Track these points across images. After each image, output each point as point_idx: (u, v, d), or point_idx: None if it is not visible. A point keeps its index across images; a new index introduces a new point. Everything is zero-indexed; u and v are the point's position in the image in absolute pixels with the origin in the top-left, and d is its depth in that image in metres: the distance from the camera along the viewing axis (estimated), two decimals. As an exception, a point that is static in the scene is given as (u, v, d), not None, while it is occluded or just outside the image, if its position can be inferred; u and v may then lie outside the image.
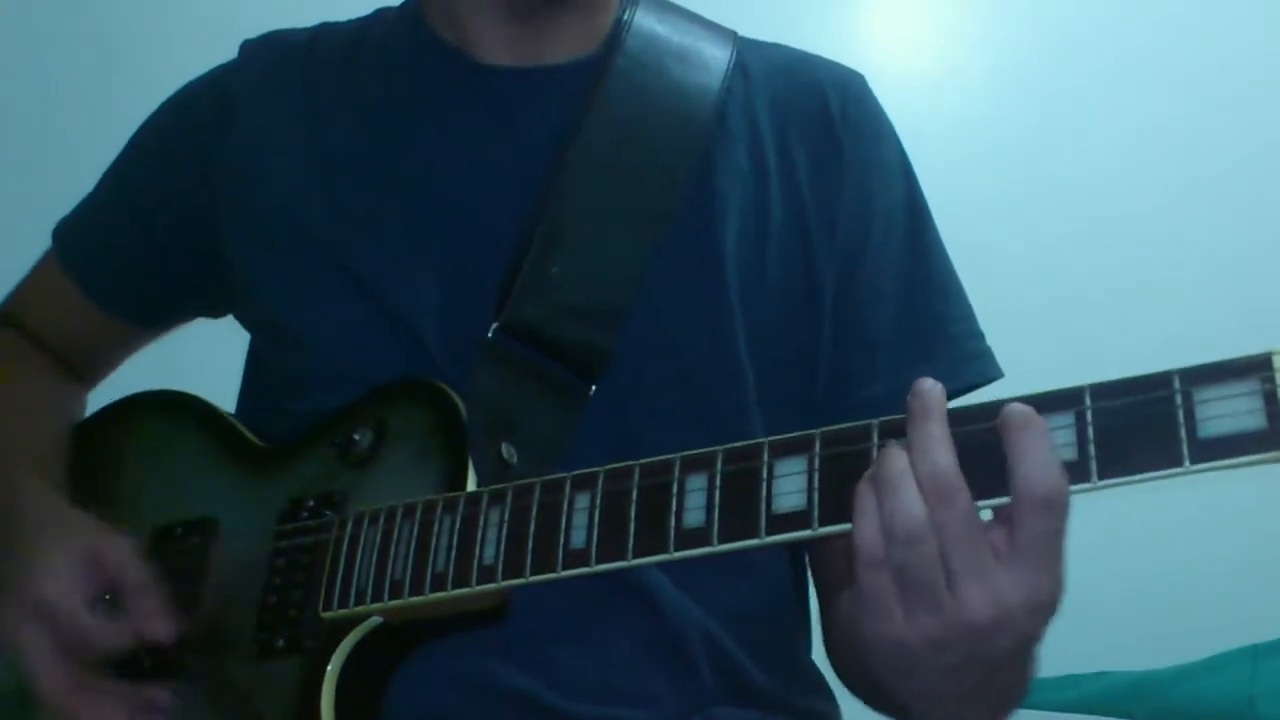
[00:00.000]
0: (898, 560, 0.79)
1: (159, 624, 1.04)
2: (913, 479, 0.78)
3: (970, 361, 1.15)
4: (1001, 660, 0.82)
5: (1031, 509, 0.77)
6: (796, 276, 1.14)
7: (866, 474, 0.81)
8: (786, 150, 1.16)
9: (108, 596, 1.05)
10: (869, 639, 0.83)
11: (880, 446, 0.82)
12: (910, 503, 0.78)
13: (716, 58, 1.18)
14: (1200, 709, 2.04)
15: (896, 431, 0.82)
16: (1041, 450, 0.77)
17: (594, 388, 1.08)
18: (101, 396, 1.33)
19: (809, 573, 1.21)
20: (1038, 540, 0.77)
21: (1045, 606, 0.80)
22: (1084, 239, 2.59)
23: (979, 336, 1.18)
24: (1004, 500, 0.78)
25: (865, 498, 0.80)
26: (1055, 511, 0.77)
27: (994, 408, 0.79)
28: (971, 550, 0.78)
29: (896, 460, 0.79)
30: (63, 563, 1.05)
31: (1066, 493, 0.77)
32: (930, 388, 0.81)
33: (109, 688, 1.03)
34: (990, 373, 1.15)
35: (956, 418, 0.80)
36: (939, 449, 0.78)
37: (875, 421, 0.84)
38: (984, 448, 0.79)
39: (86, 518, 1.10)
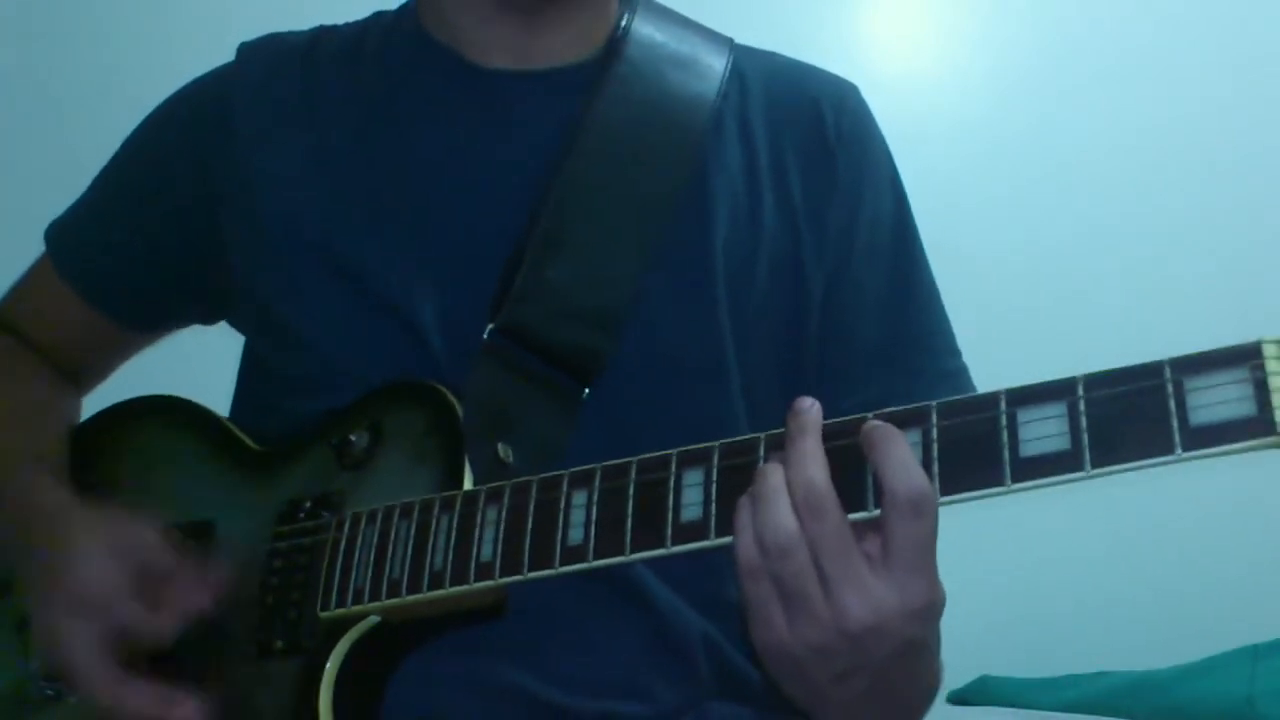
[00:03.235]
0: (772, 571, 0.82)
1: (199, 600, 1.03)
2: (785, 494, 0.82)
3: (950, 378, 1.17)
4: (887, 665, 0.85)
5: (899, 514, 0.80)
6: (786, 284, 1.15)
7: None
8: (780, 159, 1.17)
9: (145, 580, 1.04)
10: (759, 647, 0.86)
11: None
12: (781, 517, 0.81)
13: (713, 66, 1.18)
14: (1200, 709, 2.04)
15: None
16: (902, 457, 0.80)
17: (586, 391, 1.09)
18: (95, 402, 1.33)
19: None
20: (909, 545, 0.81)
21: (923, 611, 0.83)
22: (1084, 239, 2.60)
23: (957, 354, 1.19)
24: (874, 514, 0.82)
25: (743, 511, 0.83)
26: (923, 515, 0.80)
27: (862, 422, 0.83)
28: (846, 560, 0.81)
29: (772, 476, 0.83)
30: (100, 555, 1.04)
31: (931, 496, 0.80)
32: (808, 407, 0.85)
33: (144, 685, 1.02)
34: (967, 390, 1.15)
35: (833, 432, 0.83)
36: (812, 464, 0.82)
37: (762, 435, 0.87)
38: (859, 460, 0.83)
39: (106, 509, 1.10)
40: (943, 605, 0.85)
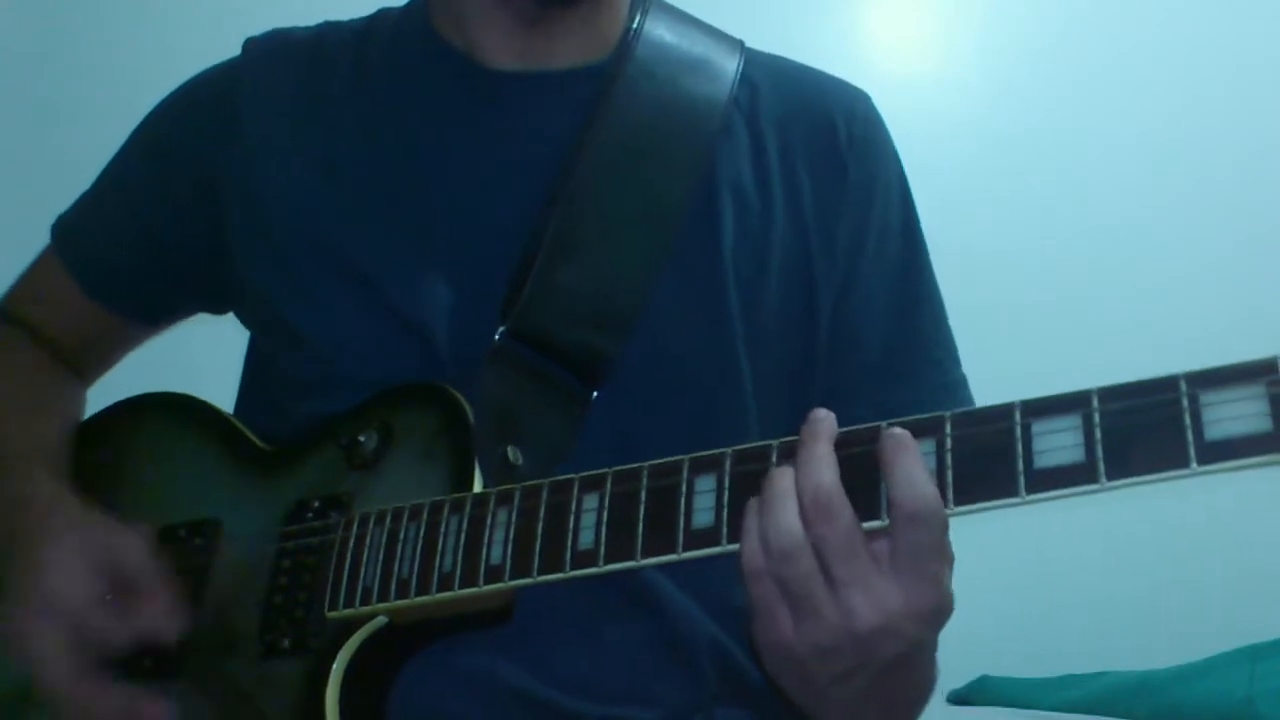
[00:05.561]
0: (776, 575, 0.83)
1: (166, 624, 1.04)
2: (793, 498, 0.82)
3: (953, 389, 1.17)
4: (889, 666, 0.86)
5: (905, 523, 0.81)
6: (796, 290, 1.15)
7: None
8: (790, 166, 1.17)
9: (109, 597, 1.04)
10: (761, 646, 0.87)
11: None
12: (786, 521, 0.82)
13: (724, 69, 1.18)
14: (1200, 709, 2.05)
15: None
16: (912, 468, 0.81)
17: (595, 394, 1.09)
18: (100, 397, 1.33)
19: None
20: (916, 551, 0.81)
21: (929, 613, 0.84)
22: (1084, 239, 2.60)
23: (959, 364, 1.20)
24: (885, 523, 0.82)
25: (750, 514, 0.84)
26: (927, 525, 0.81)
27: (876, 431, 0.83)
28: (854, 561, 0.82)
29: (780, 480, 0.83)
30: (73, 557, 1.04)
31: (933, 508, 0.80)
32: (824, 416, 0.85)
33: (110, 688, 1.02)
34: (967, 401, 1.17)
35: (848, 440, 0.84)
36: (822, 468, 0.82)
37: (775, 442, 0.88)
38: (871, 468, 0.83)
39: (96, 512, 1.10)
40: (950, 610, 0.86)
